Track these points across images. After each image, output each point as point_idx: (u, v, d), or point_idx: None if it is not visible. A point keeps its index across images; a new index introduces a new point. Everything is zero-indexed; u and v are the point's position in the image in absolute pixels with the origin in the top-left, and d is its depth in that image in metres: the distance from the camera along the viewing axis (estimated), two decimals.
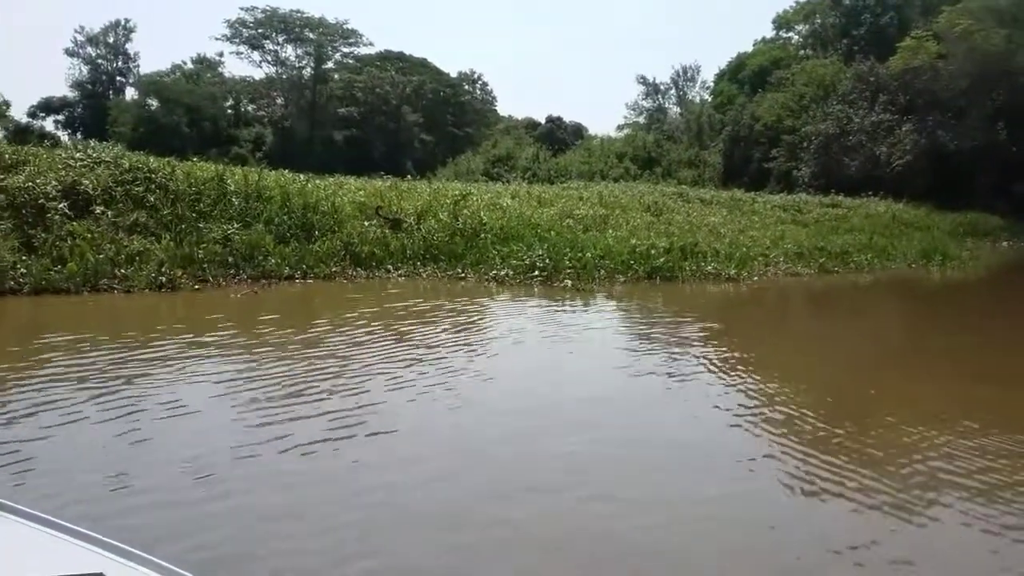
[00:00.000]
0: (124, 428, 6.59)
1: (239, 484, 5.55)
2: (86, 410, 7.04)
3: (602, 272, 16.93)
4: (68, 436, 6.44)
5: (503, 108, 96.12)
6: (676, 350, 10.49)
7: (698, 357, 10.00)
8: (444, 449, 6.51)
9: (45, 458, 5.92)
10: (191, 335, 10.41)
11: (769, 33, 63.20)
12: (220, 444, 6.33)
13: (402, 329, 11.34)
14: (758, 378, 8.98)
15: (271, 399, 7.54)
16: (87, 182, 15.53)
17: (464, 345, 10.57)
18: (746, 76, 58.92)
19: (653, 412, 7.77)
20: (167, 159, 18.66)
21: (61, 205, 14.67)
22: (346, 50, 75.21)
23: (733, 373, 9.15)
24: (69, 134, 72.25)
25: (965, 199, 34.62)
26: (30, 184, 14.69)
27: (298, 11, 70.49)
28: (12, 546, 2.13)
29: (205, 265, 14.95)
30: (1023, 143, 36.09)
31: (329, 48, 73.43)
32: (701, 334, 11.76)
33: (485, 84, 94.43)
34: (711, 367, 9.40)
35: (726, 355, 10.21)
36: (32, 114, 72.07)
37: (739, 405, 7.79)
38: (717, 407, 7.69)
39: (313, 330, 11.19)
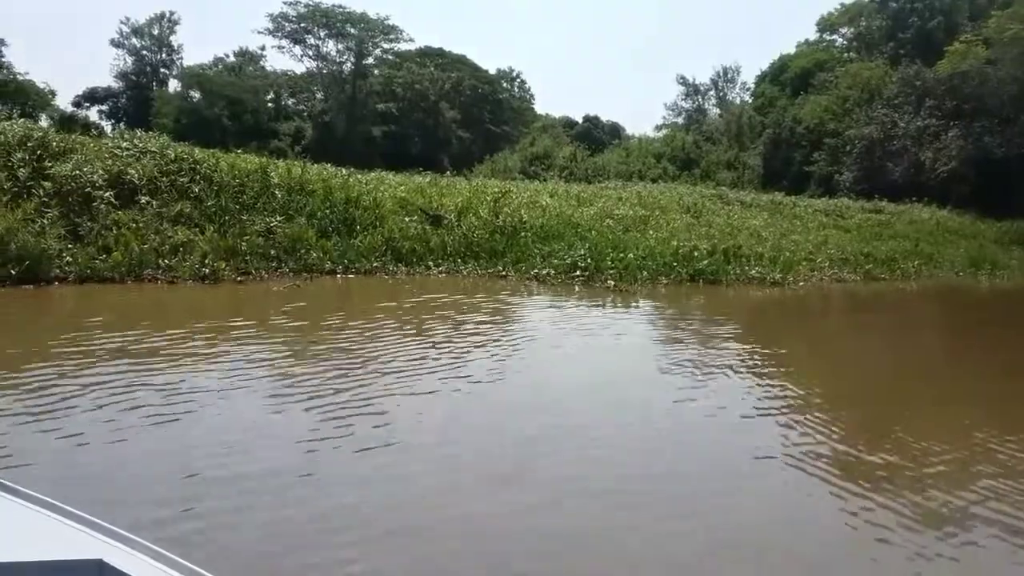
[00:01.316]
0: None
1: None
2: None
3: (644, 273, 16.74)
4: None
5: (540, 106, 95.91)
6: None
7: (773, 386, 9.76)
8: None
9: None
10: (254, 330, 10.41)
11: (812, 35, 62.43)
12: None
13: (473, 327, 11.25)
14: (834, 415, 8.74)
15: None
16: (133, 172, 15.64)
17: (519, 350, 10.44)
18: (788, 78, 58.21)
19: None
20: (212, 150, 18.75)
21: (107, 194, 14.78)
22: (386, 46, 75.23)
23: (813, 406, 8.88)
24: (113, 124, 73.18)
25: (1011, 207, 33.83)
26: (77, 173, 14.81)
27: (340, 6, 70.72)
28: (12, 528, 2.10)
29: (248, 257, 15.00)
30: None
31: (370, 44, 73.54)
32: (765, 352, 11.47)
33: (523, 82, 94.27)
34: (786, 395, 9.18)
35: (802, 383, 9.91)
36: (77, 103, 73.21)
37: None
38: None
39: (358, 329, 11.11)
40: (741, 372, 9.33)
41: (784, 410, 7.63)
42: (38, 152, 15.10)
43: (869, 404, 8.43)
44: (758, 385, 8.74)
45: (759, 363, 9.85)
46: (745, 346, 11.00)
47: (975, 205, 34.14)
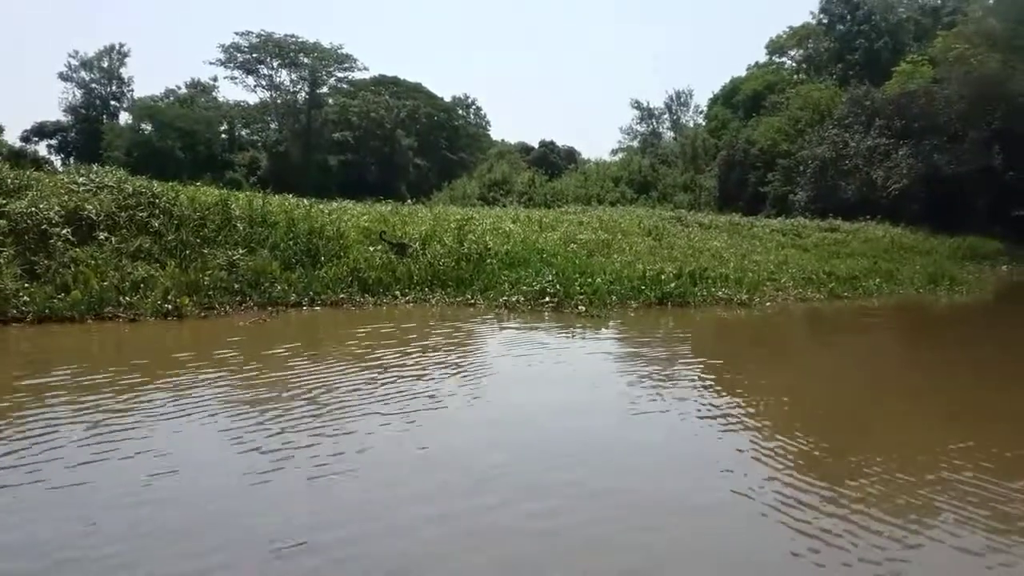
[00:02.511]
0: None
1: None
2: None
3: (614, 297, 16.71)
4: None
5: (496, 132, 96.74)
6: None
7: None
8: None
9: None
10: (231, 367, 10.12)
11: (763, 58, 63.74)
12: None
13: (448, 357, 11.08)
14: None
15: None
16: (90, 207, 15.25)
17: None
18: (740, 100, 59.27)
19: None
20: (171, 183, 18.42)
21: (64, 231, 14.37)
22: (341, 75, 75.49)
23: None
24: (63, 158, 72.18)
25: (962, 223, 34.69)
26: (32, 209, 14.38)
27: (293, 36, 70.73)
28: None
29: (211, 292, 14.63)
30: (1020, 167, 36.19)
31: (324, 73, 73.60)
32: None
33: (479, 109, 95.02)
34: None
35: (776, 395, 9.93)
36: (25, 138, 72.10)
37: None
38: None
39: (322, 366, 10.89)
40: (718, 398, 9.28)
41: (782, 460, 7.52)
42: None
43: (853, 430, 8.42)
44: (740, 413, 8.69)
45: (739, 392, 9.81)
46: (725, 375, 10.98)
47: (927, 221, 34.89)
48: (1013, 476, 6.51)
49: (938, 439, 7.77)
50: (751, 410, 8.68)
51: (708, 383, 10.10)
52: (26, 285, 13.21)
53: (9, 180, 15.41)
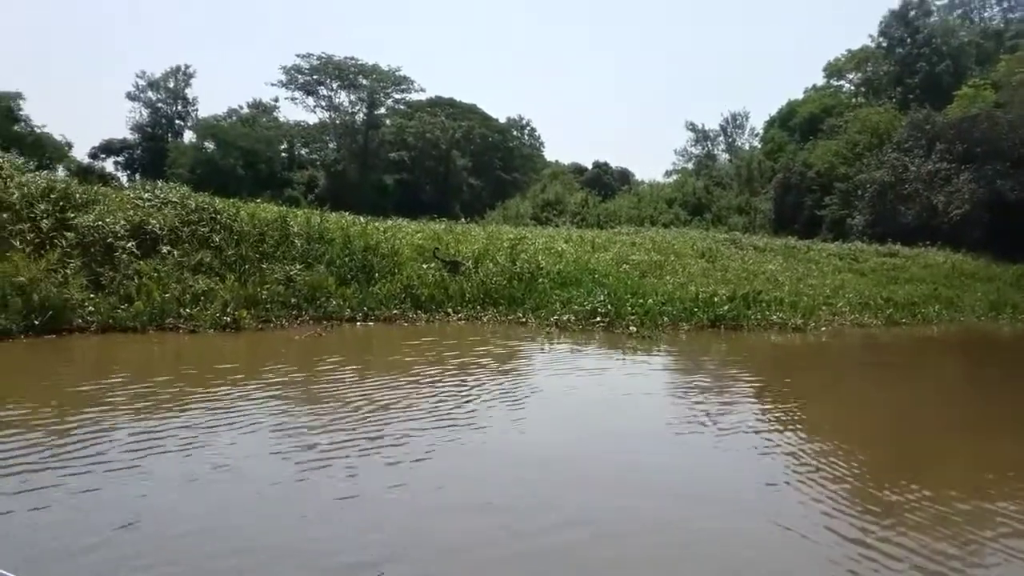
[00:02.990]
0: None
1: None
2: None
3: (665, 319, 16.65)
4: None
5: (550, 153, 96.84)
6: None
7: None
8: None
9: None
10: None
11: (820, 81, 63.02)
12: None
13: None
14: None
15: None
16: (154, 222, 15.75)
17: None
18: (797, 123, 58.61)
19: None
20: (232, 200, 18.89)
21: (129, 244, 14.86)
22: (398, 96, 76.32)
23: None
24: (128, 175, 74.01)
25: None
26: (99, 223, 14.91)
27: (352, 58, 71.85)
28: None
29: (268, 306, 15.02)
30: None
31: (382, 94, 74.56)
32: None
33: (533, 130, 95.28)
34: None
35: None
36: (93, 155, 74.11)
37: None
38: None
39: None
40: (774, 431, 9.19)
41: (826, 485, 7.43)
42: (61, 203, 15.23)
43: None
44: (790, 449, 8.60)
45: (794, 425, 9.70)
46: (782, 403, 10.86)
47: (989, 248, 34.02)
48: None
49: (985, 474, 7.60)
50: (799, 440, 8.58)
51: (761, 413, 10.01)
52: (91, 296, 13.67)
53: (77, 195, 15.95)
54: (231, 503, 5.99)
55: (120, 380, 9.86)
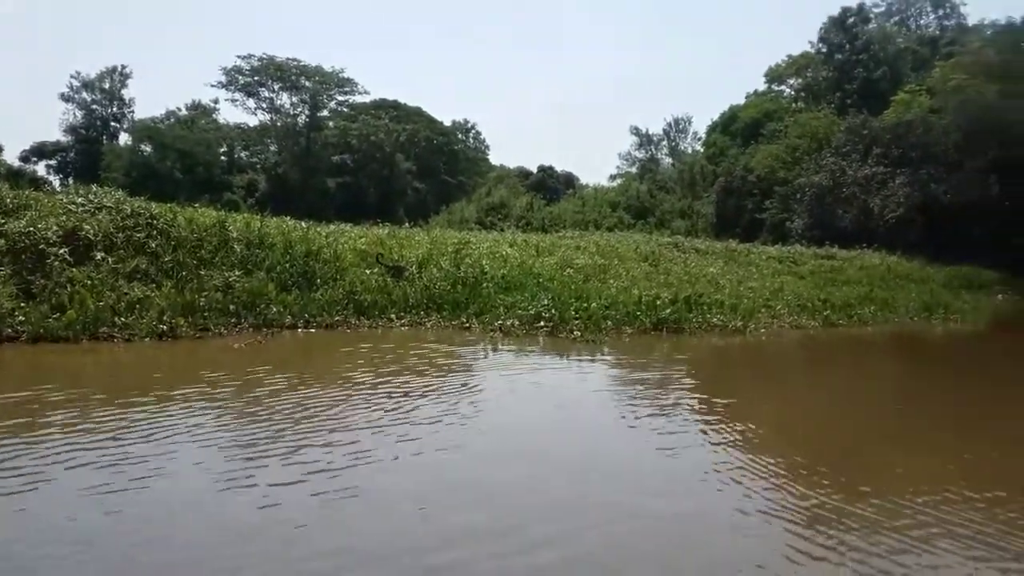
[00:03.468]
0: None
1: None
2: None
3: (609, 323, 16.72)
4: None
5: (495, 157, 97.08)
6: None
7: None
8: None
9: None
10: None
11: (761, 86, 64.08)
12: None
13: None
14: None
15: None
16: (88, 227, 15.32)
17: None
18: (738, 128, 59.49)
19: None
20: (169, 205, 18.47)
21: (61, 251, 14.46)
22: (341, 98, 75.79)
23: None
24: (61, 179, 72.33)
25: (959, 252, 34.70)
26: (31, 229, 14.48)
27: (295, 59, 71.10)
28: None
29: (207, 313, 14.69)
30: (1016, 197, 36.30)
31: (324, 96, 73.94)
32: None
33: (478, 133, 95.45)
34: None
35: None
36: (24, 158, 72.14)
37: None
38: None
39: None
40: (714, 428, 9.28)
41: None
42: None
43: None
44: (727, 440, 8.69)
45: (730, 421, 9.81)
46: (719, 399, 10.99)
47: (923, 250, 34.94)
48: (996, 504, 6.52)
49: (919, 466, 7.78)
50: (735, 434, 8.68)
51: (700, 410, 10.11)
52: (22, 304, 13.27)
53: (8, 200, 15.49)
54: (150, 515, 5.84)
55: (45, 391, 9.52)
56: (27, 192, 16.99)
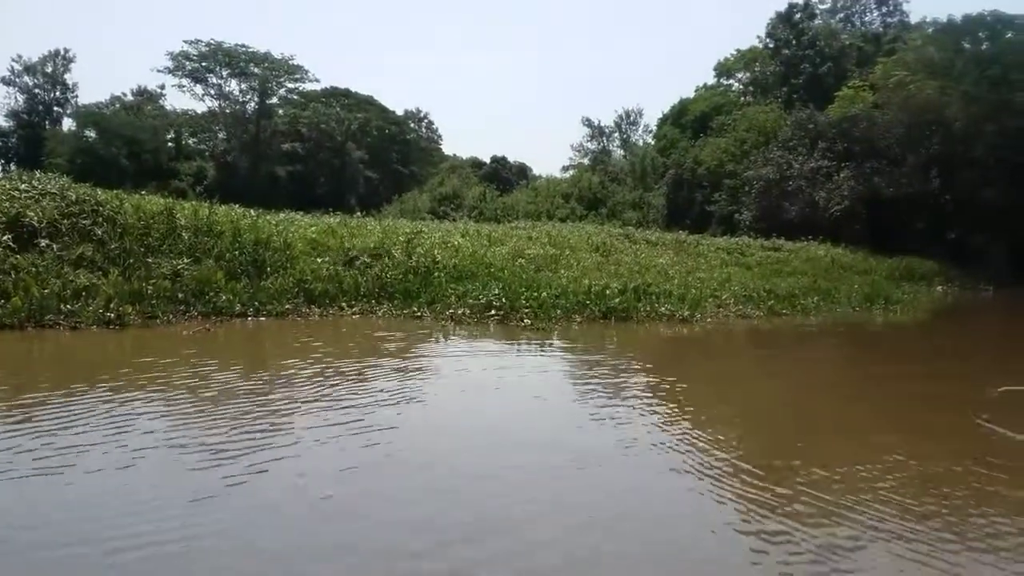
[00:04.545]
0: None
1: None
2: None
3: (559, 311, 16.93)
4: None
5: (448, 147, 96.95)
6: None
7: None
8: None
9: None
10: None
11: (711, 80, 64.82)
12: None
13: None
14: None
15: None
16: (32, 214, 15.08)
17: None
18: (688, 121, 60.12)
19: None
20: (116, 192, 18.22)
21: (4, 238, 14.23)
22: (291, 86, 74.79)
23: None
24: (3, 165, 70.62)
25: (901, 244, 35.65)
26: None
27: (243, 45, 70.00)
28: None
29: (154, 301, 14.54)
30: (955, 191, 37.35)
31: (274, 83, 72.96)
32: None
33: (431, 123, 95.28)
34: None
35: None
36: None
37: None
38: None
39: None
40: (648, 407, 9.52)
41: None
42: None
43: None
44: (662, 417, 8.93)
45: (663, 398, 10.07)
46: (652, 380, 11.25)
47: (867, 242, 35.86)
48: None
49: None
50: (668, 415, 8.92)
51: (640, 394, 10.35)
52: None
53: None
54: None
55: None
56: None
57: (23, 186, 16.36)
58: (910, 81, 39.48)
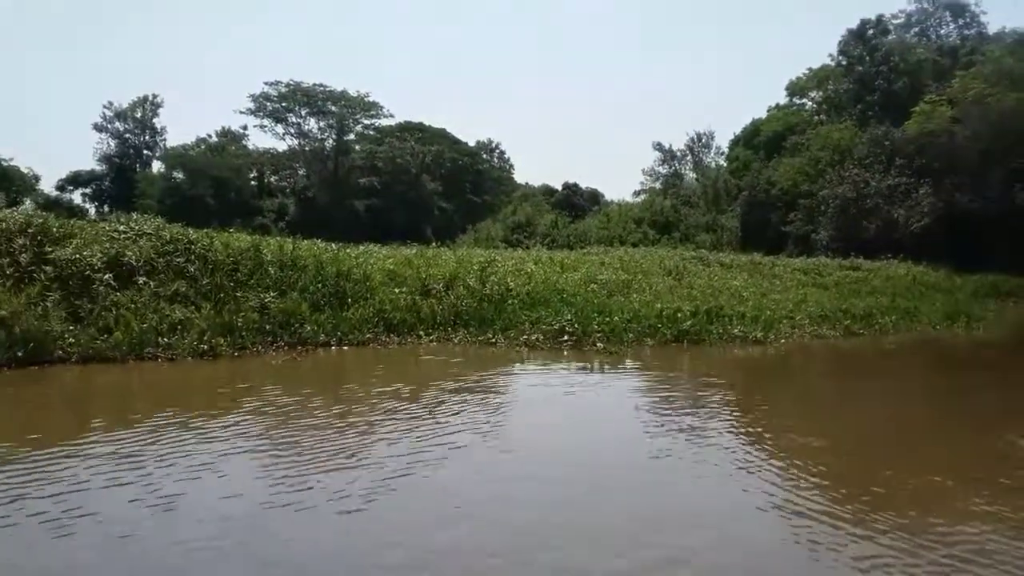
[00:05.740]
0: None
1: None
2: None
3: (630, 335, 17.17)
4: None
5: (520, 175, 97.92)
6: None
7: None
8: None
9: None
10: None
11: (783, 100, 64.28)
12: None
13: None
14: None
15: None
16: (130, 253, 16.02)
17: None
18: (761, 142, 59.75)
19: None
20: (205, 230, 19.20)
21: (106, 276, 15.14)
22: (367, 122, 76.85)
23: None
24: (97, 207, 74.03)
25: (984, 260, 34.80)
26: (77, 256, 15.19)
27: (321, 85, 72.31)
28: None
29: (244, 333, 15.32)
30: None
31: (351, 120, 75.06)
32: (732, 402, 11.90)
33: (503, 152, 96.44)
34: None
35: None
36: (60, 187, 74.01)
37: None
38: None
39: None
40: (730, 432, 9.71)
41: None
42: (39, 237, 15.52)
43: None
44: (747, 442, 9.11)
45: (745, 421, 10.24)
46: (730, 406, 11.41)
47: (949, 259, 35.07)
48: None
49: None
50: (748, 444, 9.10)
51: (714, 415, 10.54)
52: (71, 328, 13.94)
53: (55, 229, 16.22)
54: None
55: (102, 408, 10.17)
56: (73, 221, 17.79)
57: (121, 227, 17.41)
58: (989, 94, 38.70)
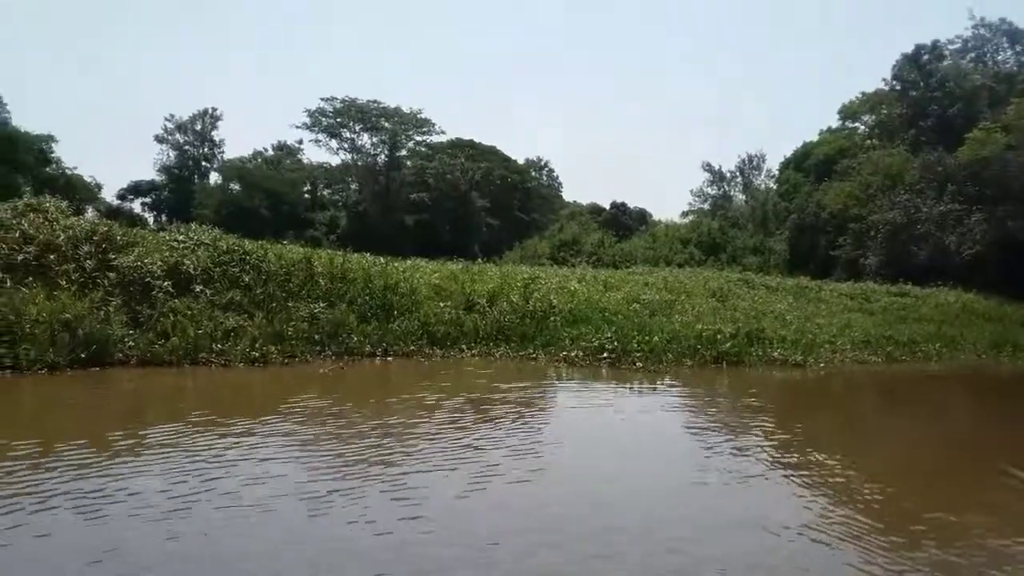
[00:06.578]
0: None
1: None
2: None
3: (670, 355, 17.40)
4: None
5: (568, 194, 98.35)
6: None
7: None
8: None
9: None
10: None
11: (835, 123, 63.77)
12: None
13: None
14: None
15: None
16: (188, 263, 16.76)
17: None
18: (811, 165, 59.25)
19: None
20: (260, 242, 19.91)
21: (165, 284, 15.87)
22: (419, 138, 77.84)
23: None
24: (155, 216, 76.09)
25: None
26: (138, 264, 15.96)
27: (375, 101, 73.50)
28: None
29: (294, 342, 15.93)
30: None
31: (403, 136, 76.13)
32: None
33: (551, 170, 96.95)
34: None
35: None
36: (122, 196, 76.18)
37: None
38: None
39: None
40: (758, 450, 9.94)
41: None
42: (103, 245, 16.30)
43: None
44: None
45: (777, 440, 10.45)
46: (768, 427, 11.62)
47: (1002, 288, 34.45)
48: None
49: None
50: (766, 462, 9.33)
51: (742, 434, 10.77)
52: (130, 332, 14.65)
53: (118, 237, 17.02)
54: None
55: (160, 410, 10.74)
56: (135, 230, 18.63)
57: (180, 237, 18.24)
58: None
